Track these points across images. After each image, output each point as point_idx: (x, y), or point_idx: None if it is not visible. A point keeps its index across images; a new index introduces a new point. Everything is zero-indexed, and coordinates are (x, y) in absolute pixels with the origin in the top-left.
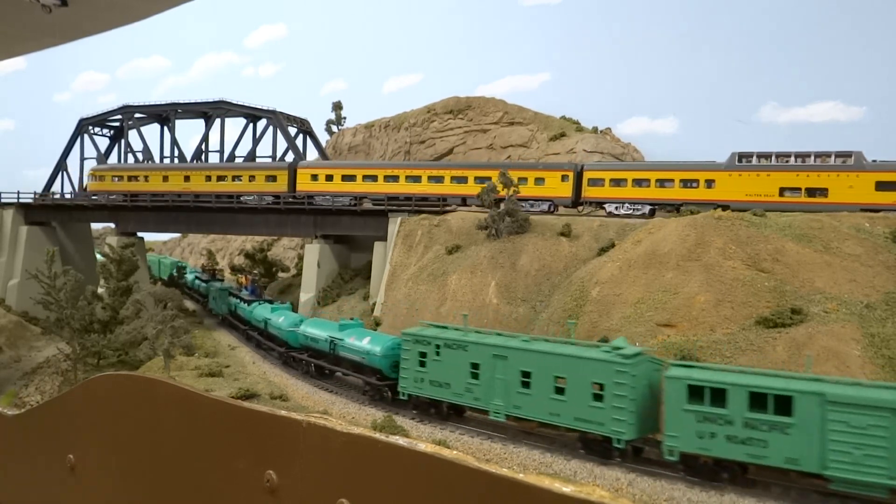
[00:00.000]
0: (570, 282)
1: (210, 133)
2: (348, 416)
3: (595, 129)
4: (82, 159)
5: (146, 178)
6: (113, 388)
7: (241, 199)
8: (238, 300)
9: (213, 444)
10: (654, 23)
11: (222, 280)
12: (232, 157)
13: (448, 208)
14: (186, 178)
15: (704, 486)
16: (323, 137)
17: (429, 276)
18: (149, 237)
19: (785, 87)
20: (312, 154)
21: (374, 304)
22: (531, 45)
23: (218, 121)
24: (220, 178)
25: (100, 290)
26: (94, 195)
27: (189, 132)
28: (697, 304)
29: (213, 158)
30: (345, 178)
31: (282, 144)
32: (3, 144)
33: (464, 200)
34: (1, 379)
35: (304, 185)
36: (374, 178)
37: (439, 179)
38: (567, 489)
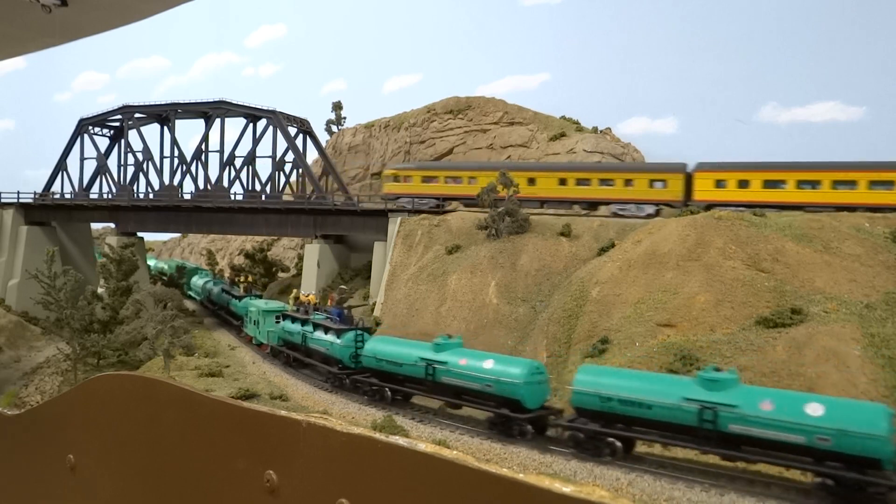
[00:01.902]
0: (570, 282)
1: (210, 133)
2: (348, 416)
3: (595, 129)
4: (82, 159)
5: (471, 178)
6: (113, 388)
7: (613, 208)
8: (308, 329)
9: (213, 444)
10: (654, 23)
11: (259, 295)
12: (232, 157)
13: (448, 208)
14: (531, 182)
15: (704, 487)
16: (323, 137)
17: (429, 276)
18: (149, 237)
19: (785, 87)
20: (312, 154)
21: (374, 304)
22: (531, 45)
23: (218, 121)
24: (580, 182)
25: (100, 290)
26: (395, 197)
27: (189, 132)
28: (697, 304)
29: (213, 159)
30: (768, 183)
31: (282, 144)
32: (3, 144)
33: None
34: (1, 379)
35: (704, 192)
36: (815, 185)
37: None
38: (567, 489)
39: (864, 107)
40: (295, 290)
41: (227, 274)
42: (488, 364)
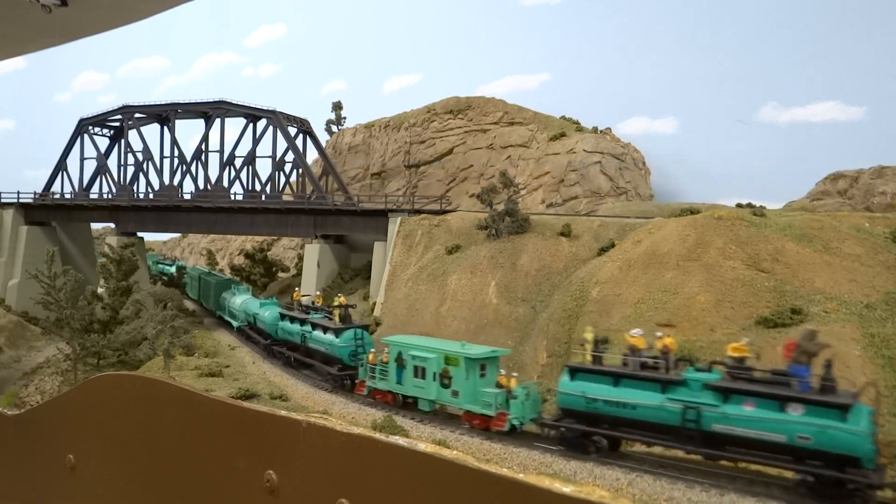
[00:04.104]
0: (570, 282)
1: (210, 133)
2: (348, 416)
3: (595, 129)
4: (82, 159)
5: None
6: (113, 388)
7: None
8: (709, 402)
9: (213, 444)
10: (654, 23)
11: (366, 326)
12: (232, 157)
13: (448, 208)
14: None
15: (704, 487)
16: (323, 137)
17: (429, 276)
18: (149, 237)
19: (785, 87)
20: (312, 154)
21: (374, 304)
22: (531, 45)
23: (218, 121)
24: None
25: (100, 290)
26: None
27: (189, 132)
28: (697, 304)
29: (213, 159)
30: None
31: (282, 144)
32: (3, 144)
33: None
34: (1, 379)
35: None
36: None
37: None
38: (567, 489)
39: (864, 107)
40: (589, 330)
41: (227, 273)
42: None
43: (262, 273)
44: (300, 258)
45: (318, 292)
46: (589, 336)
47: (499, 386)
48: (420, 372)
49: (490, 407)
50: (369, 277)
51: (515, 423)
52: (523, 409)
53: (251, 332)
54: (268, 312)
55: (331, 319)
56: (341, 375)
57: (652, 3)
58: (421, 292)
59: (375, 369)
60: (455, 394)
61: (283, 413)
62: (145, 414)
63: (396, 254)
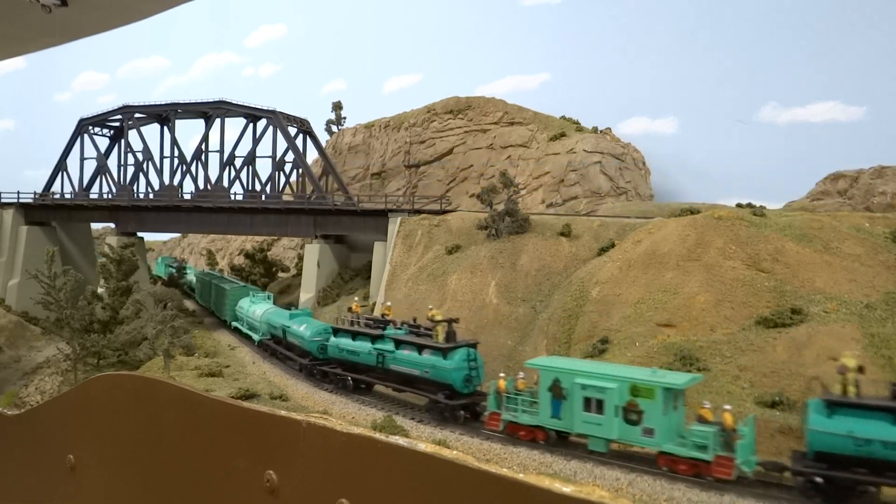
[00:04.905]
0: (570, 282)
1: (210, 133)
2: (348, 416)
3: (595, 129)
4: (82, 159)
5: None
6: (113, 388)
7: None
8: None
9: (213, 444)
10: (654, 23)
11: (475, 345)
12: (232, 157)
13: (448, 208)
14: None
15: (704, 486)
16: (323, 137)
17: (429, 276)
18: (149, 237)
19: (785, 87)
20: (312, 154)
21: (375, 304)
22: (531, 45)
23: (218, 121)
24: None
25: (100, 290)
26: None
27: (189, 132)
28: (697, 304)
29: (213, 159)
30: None
31: (282, 144)
32: (3, 144)
33: None
34: (1, 379)
35: None
36: None
37: None
38: (567, 489)
39: (864, 107)
40: (849, 356)
41: (227, 273)
42: None
43: (262, 273)
44: (300, 258)
45: (387, 303)
46: (850, 363)
47: (701, 420)
48: (594, 405)
49: (705, 450)
50: (369, 277)
51: (746, 469)
52: (748, 452)
53: (279, 349)
54: (304, 326)
55: (421, 336)
56: (454, 405)
57: (652, 3)
58: (421, 292)
59: (516, 400)
60: (648, 432)
61: (283, 413)
62: (145, 414)
63: (396, 254)
